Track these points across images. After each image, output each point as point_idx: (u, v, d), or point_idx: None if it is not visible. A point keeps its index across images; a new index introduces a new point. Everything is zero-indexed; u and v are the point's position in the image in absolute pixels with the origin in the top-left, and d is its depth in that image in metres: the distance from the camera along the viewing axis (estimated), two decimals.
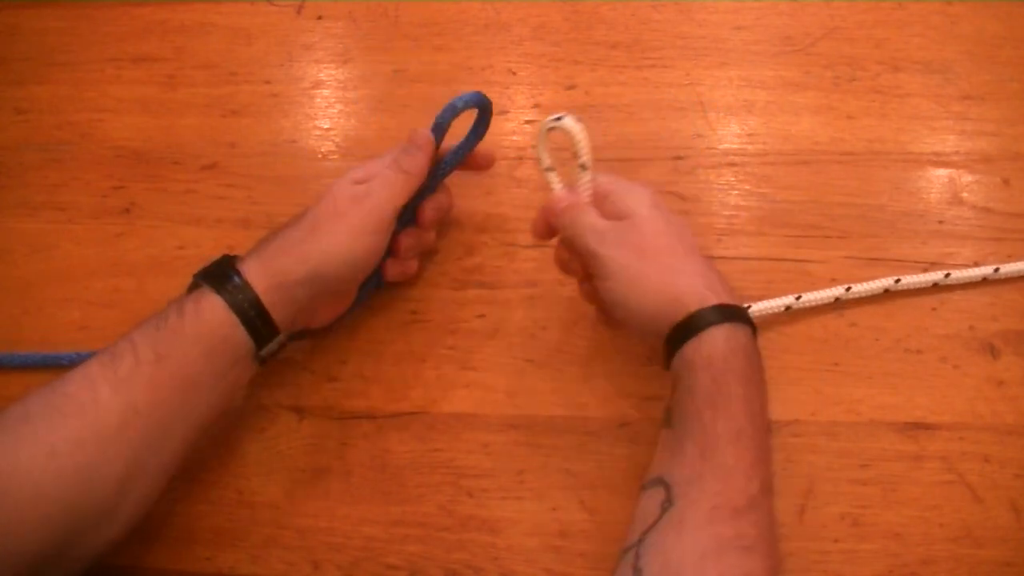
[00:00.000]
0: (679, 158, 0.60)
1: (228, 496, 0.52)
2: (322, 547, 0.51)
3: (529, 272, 0.57)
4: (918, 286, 0.54)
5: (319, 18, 0.68)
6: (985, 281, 0.55)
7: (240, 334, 0.46)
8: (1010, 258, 0.56)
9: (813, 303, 0.54)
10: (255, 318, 0.46)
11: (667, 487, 0.41)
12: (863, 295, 0.54)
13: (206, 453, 0.52)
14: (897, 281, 0.54)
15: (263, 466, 0.53)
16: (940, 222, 0.57)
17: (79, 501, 0.42)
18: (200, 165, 0.62)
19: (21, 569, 0.40)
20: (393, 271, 0.54)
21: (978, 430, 0.51)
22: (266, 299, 0.46)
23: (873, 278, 0.55)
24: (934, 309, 0.55)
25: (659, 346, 0.46)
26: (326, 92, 0.65)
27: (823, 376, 0.53)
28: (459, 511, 0.51)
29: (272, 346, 0.48)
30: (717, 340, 0.43)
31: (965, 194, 0.58)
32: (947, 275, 0.54)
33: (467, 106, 0.52)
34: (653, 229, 0.47)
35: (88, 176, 0.63)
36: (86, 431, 0.42)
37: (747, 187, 0.59)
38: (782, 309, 0.54)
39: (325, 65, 0.66)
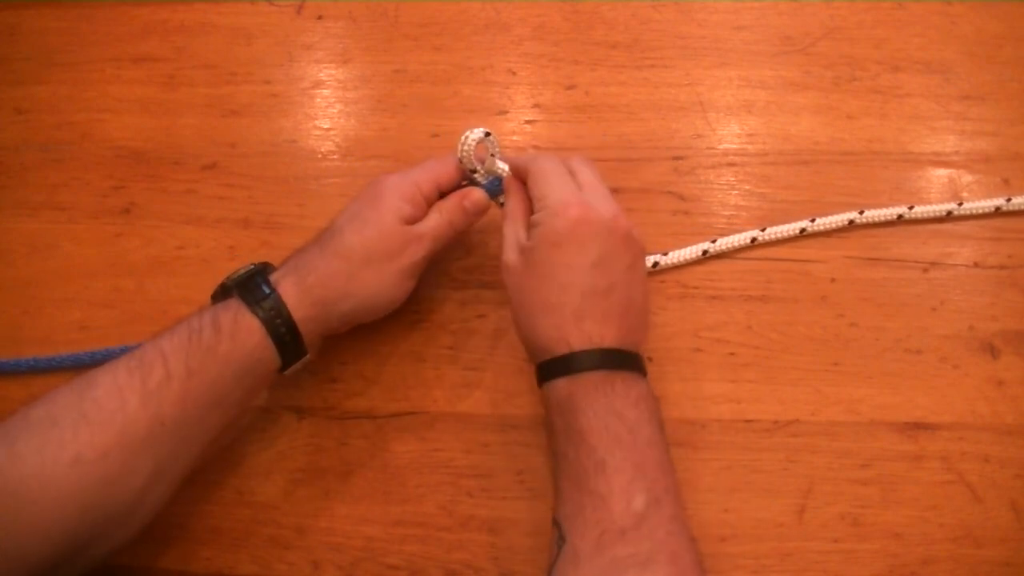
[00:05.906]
0: (679, 158, 0.60)
1: (228, 496, 0.52)
2: (322, 547, 0.51)
3: None
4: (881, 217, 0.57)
5: (319, 18, 0.67)
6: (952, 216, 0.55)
7: (273, 356, 0.46)
8: (1010, 258, 0.56)
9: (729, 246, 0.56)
10: (290, 343, 0.47)
11: (558, 524, 0.43)
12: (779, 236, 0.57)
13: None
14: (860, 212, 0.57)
15: (263, 466, 0.53)
16: (940, 222, 0.57)
17: (100, 508, 0.42)
18: (200, 165, 0.62)
19: (35, 569, 0.40)
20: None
21: (978, 430, 0.51)
22: (302, 325, 0.47)
23: (872, 278, 0.56)
24: (934, 309, 0.55)
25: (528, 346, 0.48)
26: (326, 92, 0.65)
27: (823, 376, 0.53)
28: (459, 511, 0.51)
29: (297, 366, 0.48)
30: (560, 387, 0.45)
31: (965, 194, 0.58)
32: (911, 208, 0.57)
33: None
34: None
35: (88, 176, 0.63)
36: (112, 441, 0.42)
37: (747, 187, 0.59)
38: (699, 255, 0.56)
39: (325, 65, 0.66)
